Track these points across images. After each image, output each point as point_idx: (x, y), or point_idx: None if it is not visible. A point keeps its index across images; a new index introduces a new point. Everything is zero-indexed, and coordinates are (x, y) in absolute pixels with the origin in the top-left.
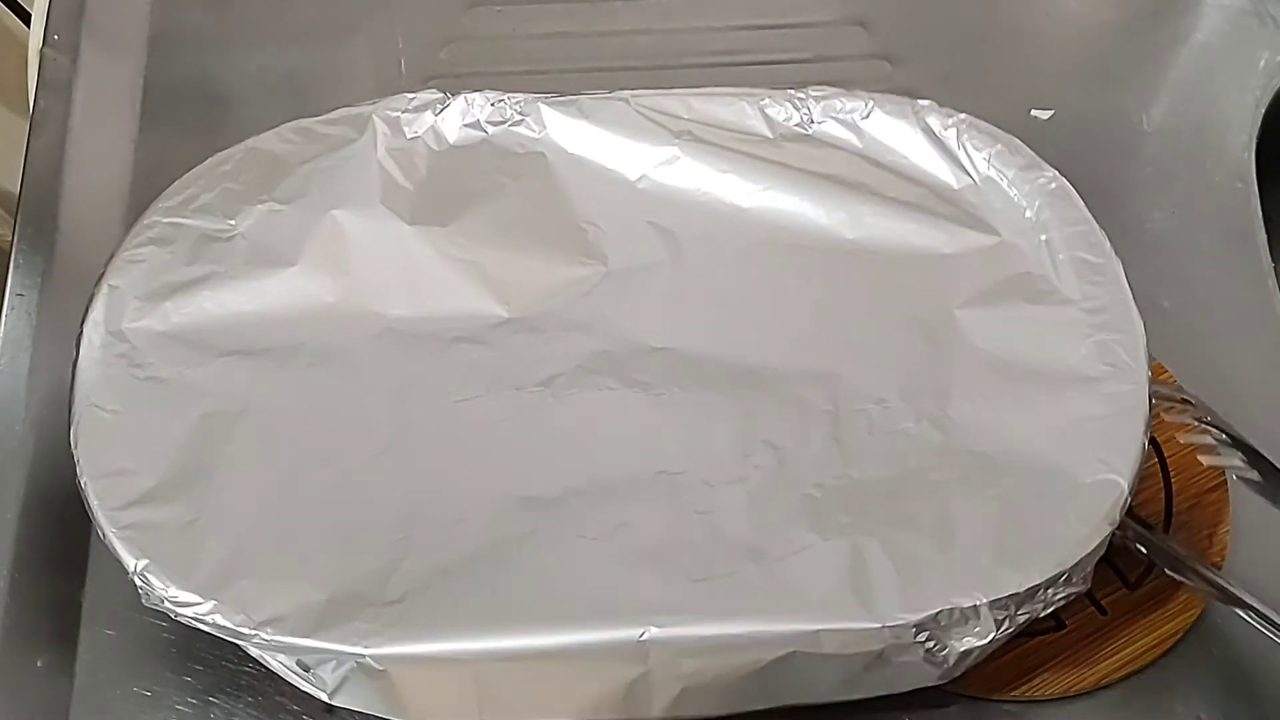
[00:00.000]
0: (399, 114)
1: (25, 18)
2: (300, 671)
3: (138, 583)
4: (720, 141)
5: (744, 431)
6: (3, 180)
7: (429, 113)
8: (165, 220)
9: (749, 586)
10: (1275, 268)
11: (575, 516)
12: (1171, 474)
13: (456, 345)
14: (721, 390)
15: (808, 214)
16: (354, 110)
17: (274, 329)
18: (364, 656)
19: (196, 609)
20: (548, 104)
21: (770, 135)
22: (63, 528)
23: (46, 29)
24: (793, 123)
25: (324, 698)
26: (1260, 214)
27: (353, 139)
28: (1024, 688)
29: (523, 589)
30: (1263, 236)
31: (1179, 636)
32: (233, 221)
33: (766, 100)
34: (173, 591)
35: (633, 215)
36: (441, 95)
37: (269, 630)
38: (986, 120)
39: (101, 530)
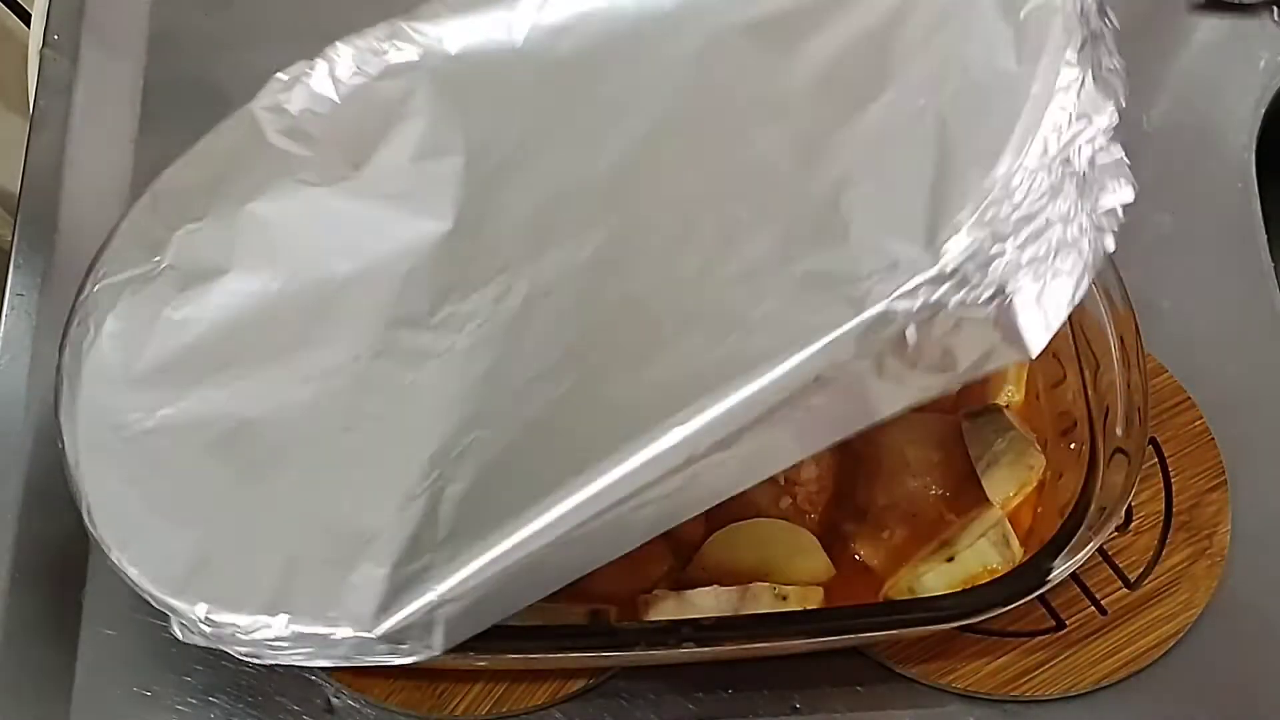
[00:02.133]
0: (274, 97)
1: (25, 18)
2: (395, 646)
3: (207, 629)
4: None
5: (716, 212)
6: (3, 180)
7: (301, 82)
8: (97, 288)
9: (755, 342)
10: (1275, 268)
11: (587, 373)
12: (1171, 474)
13: (413, 275)
14: (690, 191)
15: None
16: (232, 116)
17: (233, 338)
18: (445, 597)
19: (266, 630)
20: (407, 20)
21: None
22: (62, 528)
23: (46, 29)
24: None
25: (435, 654)
26: (1260, 214)
27: (241, 138)
28: (1024, 688)
29: (556, 452)
30: (1263, 236)
31: (1179, 636)
32: (158, 257)
33: None
34: (243, 619)
35: (529, 84)
36: (307, 62)
37: (353, 624)
38: None
39: (168, 607)
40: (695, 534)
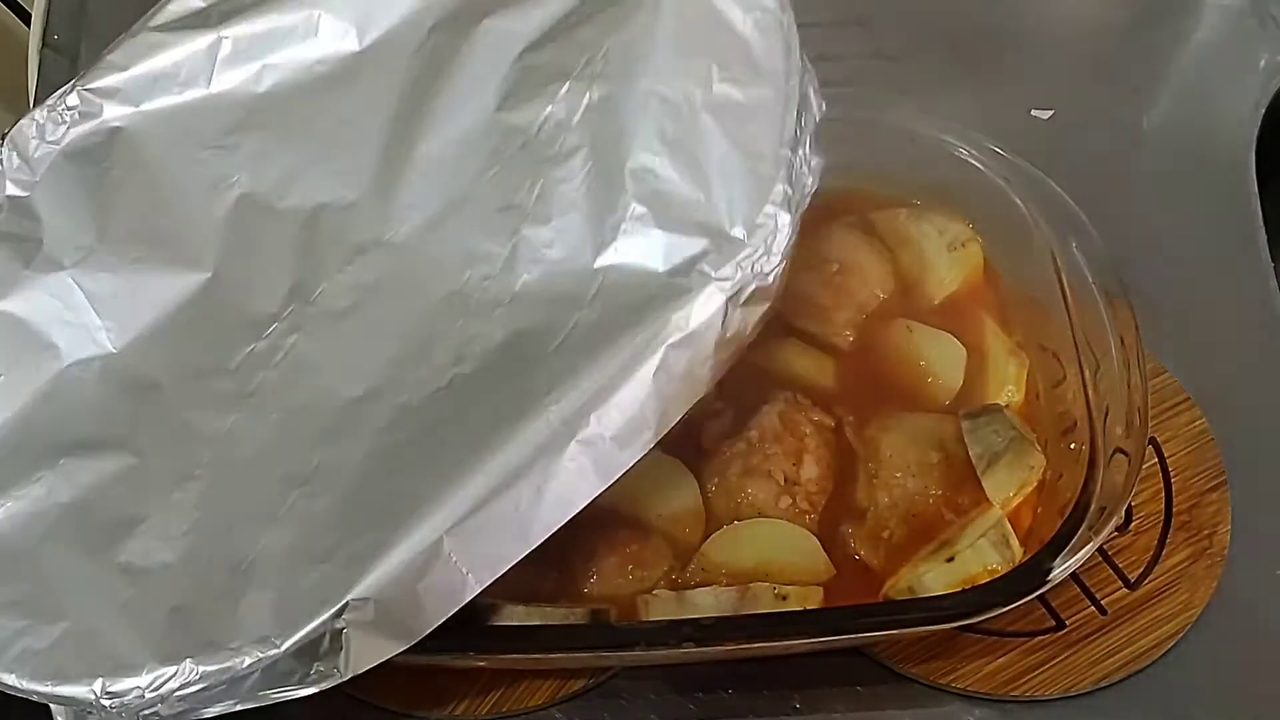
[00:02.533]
0: None
1: (25, 18)
2: (307, 669)
3: (108, 703)
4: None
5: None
6: None
7: None
8: None
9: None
10: (1275, 268)
11: (422, 371)
12: (1171, 474)
13: (195, 327)
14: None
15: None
16: None
17: (36, 429)
18: (348, 603)
19: (171, 680)
20: (83, 84)
21: None
22: None
23: (46, 29)
24: None
25: (346, 677)
26: (1260, 214)
27: None
28: (1024, 688)
29: (420, 457)
30: (1263, 236)
31: (1179, 636)
32: None
33: None
34: (144, 679)
35: (236, 122)
36: None
37: (258, 646)
38: (986, 120)
39: (62, 700)
40: (695, 534)
